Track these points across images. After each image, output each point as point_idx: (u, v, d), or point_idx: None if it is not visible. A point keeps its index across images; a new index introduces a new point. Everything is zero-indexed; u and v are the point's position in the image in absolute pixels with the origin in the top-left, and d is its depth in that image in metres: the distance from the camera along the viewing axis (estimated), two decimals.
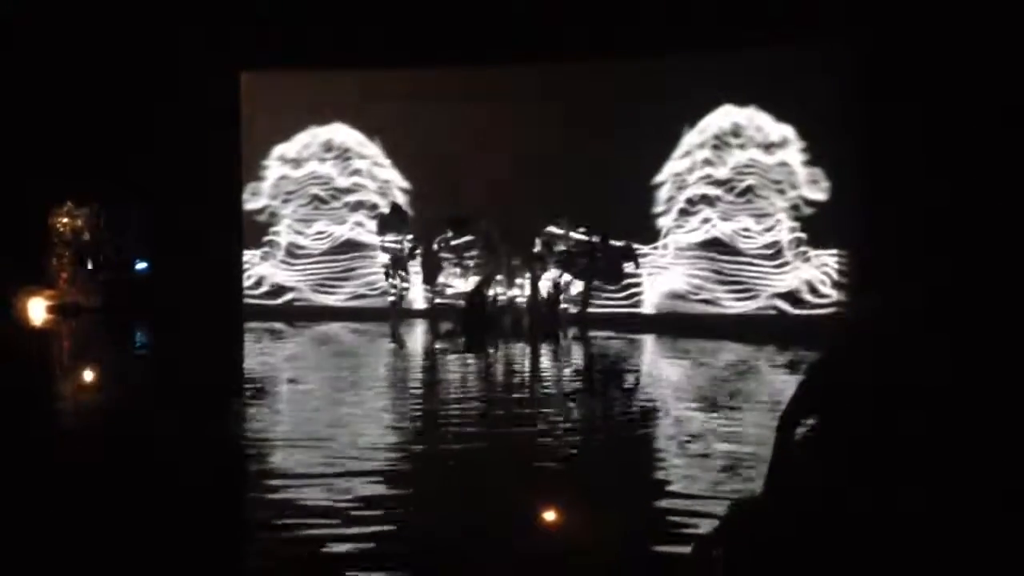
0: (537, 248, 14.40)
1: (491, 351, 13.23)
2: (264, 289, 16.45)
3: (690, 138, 14.95)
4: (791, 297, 14.46)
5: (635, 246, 14.94)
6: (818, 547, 2.22)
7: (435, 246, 14.66)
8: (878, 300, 2.44)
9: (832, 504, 2.24)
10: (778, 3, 13.02)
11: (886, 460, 2.24)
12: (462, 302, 14.44)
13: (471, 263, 14.40)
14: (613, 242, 14.72)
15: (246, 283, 16.47)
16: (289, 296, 16.43)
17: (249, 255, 16.44)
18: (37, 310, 16.01)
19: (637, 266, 15.00)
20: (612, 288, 14.97)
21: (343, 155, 16.37)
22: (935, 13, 12.16)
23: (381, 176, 16.24)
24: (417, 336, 14.33)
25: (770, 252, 14.60)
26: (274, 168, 16.58)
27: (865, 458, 2.26)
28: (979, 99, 11.79)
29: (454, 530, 5.19)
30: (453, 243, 14.46)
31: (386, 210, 15.50)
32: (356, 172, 16.35)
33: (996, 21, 11.71)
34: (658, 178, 15.04)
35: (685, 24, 13.40)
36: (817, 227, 14.29)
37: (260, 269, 16.45)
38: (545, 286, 14.49)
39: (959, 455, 2.25)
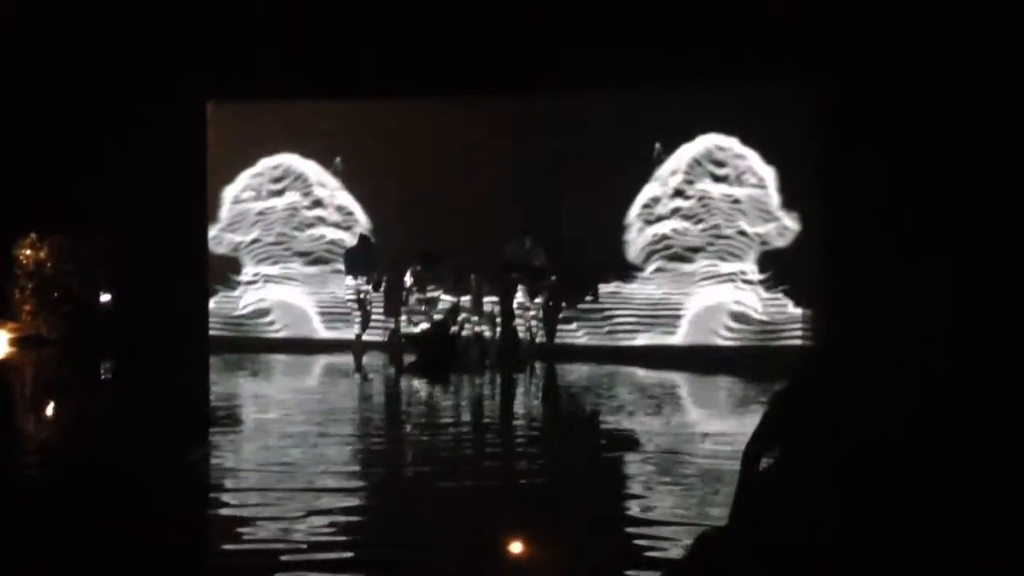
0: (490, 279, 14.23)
1: (454, 382, 13.20)
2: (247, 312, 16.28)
3: (661, 171, 14.97)
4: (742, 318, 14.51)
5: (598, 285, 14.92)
6: (785, 569, 2.21)
7: (406, 279, 14.52)
8: (841, 330, 2.44)
9: (796, 535, 2.23)
10: (743, 43, 13.11)
11: (850, 490, 2.23)
12: (424, 332, 14.35)
13: (437, 296, 14.30)
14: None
15: (241, 311, 16.28)
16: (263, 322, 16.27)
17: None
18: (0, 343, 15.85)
19: (596, 298, 14.96)
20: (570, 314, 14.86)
21: (302, 185, 16.26)
22: (900, 54, 12.31)
23: (343, 207, 16.15)
24: (381, 368, 14.26)
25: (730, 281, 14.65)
26: (232, 202, 16.44)
27: (829, 489, 2.25)
28: (945, 143, 11.91)
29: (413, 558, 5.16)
30: (421, 277, 14.34)
31: (353, 242, 15.40)
32: (318, 203, 16.25)
33: (960, 63, 11.86)
34: (631, 211, 15.02)
35: (656, 60, 13.47)
36: (781, 262, 14.33)
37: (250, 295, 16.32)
38: (512, 311, 14.33)
39: (925, 483, 2.25)
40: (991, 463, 2.26)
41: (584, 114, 14.77)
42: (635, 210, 15.06)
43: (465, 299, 14.27)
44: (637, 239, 15.02)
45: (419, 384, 12.86)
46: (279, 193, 16.38)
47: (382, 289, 14.98)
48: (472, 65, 14.24)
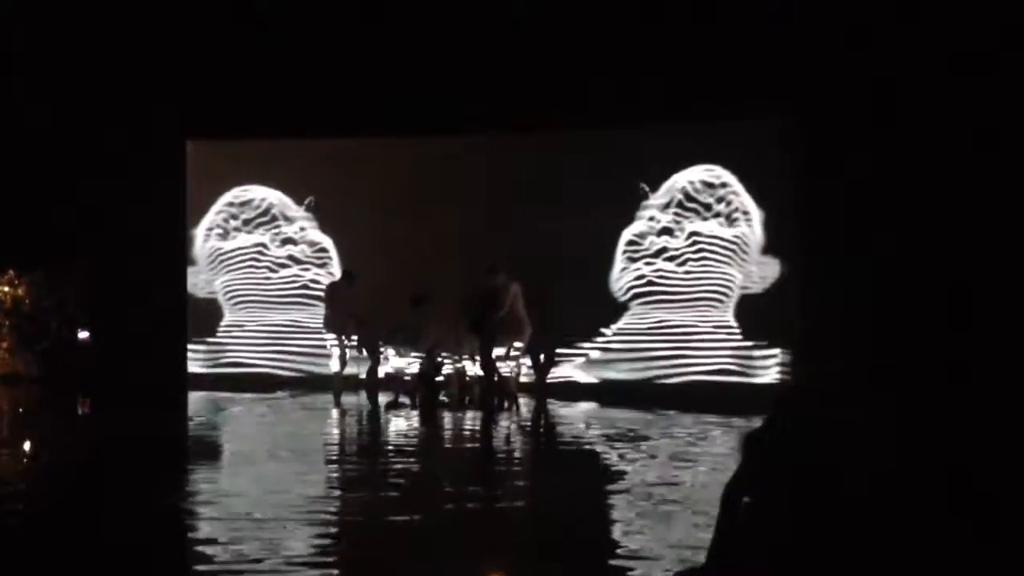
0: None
1: (439, 420, 13.19)
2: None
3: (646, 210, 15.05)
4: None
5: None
6: None
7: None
8: (814, 371, 2.49)
9: (778, 564, 2.26)
10: (721, 79, 13.24)
11: (828, 530, 2.27)
12: (407, 372, 14.32)
13: (421, 335, 14.20)
14: None
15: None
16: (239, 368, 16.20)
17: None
18: None
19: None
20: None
21: (272, 222, 16.26)
22: (875, 89, 12.46)
23: (315, 243, 16.15)
24: (360, 405, 14.21)
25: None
26: (203, 240, 16.42)
27: (807, 529, 2.29)
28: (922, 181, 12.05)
29: None
30: (409, 318, 14.19)
31: (336, 277, 15.31)
32: (289, 241, 16.24)
33: (938, 99, 12.01)
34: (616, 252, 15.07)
35: (633, 99, 13.59)
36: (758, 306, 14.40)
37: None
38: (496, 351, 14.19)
39: (901, 523, 2.29)
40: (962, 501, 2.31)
41: (559, 152, 14.82)
42: (620, 248, 15.07)
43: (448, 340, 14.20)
44: (621, 278, 15.04)
45: (399, 421, 12.86)
46: (249, 230, 16.32)
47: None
48: (447, 104, 14.33)
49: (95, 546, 6.17)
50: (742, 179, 14.61)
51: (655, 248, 14.92)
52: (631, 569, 5.69)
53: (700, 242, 14.75)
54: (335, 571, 5.88)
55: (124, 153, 14.94)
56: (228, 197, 16.36)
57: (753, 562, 2.34)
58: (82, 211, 15.11)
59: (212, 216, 16.36)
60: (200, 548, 6.39)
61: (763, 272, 14.47)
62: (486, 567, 5.77)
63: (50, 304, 16.44)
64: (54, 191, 15.01)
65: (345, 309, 14.43)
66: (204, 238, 16.36)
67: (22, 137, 14.99)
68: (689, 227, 14.78)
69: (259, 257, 16.31)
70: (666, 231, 14.88)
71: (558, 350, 14.88)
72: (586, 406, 13.87)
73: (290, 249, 16.24)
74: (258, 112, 14.78)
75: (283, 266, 16.24)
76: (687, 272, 14.78)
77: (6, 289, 16.51)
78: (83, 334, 16.35)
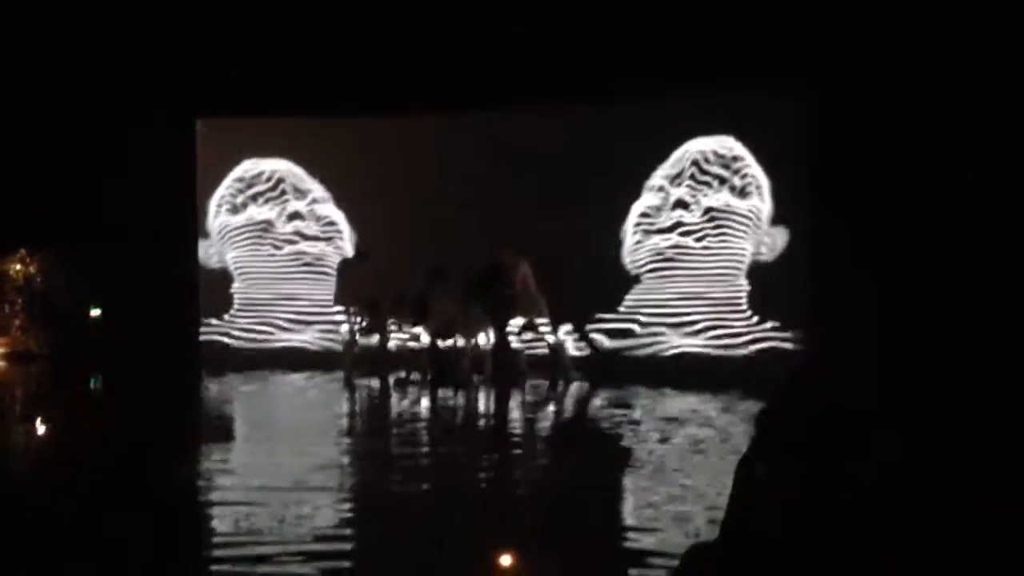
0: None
1: (451, 397, 13.20)
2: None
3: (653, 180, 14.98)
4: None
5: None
6: None
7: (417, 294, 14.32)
8: (822, 344, 2.47)
9: (786, 549, 2.25)
10: (729, 53, 13.16)
11: (837, 503, 2.26)
12: (421, 346, 14.31)
13: (429, 312, 14.18)
14: None
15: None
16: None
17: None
18: None
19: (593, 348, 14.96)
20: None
21: (282, 196, 16.25)
22: (886, 66, 12.38)
23: (326, 219, 16.14)
24: (373, 383, 14.20)
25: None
26: (214, 215, 16.42)
27: (817, 501, 2.27)
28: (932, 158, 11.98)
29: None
30: (426, 291, 14.14)
31: (350, 255, 15.28)
32: (296, 216, 16.23)
33: (945, 80, 11.94)
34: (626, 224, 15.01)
35: (637, 74, 13.52)
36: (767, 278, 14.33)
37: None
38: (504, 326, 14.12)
39: (905, 495, 2.28)
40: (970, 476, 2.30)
41: (572, 126, 14.76)
42: (632, 220, 15.01)
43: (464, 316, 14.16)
44: (635, 251, 14.98)
45: (408, 399, 12.87)
46: (259, 203, 16.32)
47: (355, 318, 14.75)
48: (457, 80, 14.28)
49: (110, 526, 6.19)
50: (752, 150, 14.53)
51: (670, 222, 14.83)
52: (641, 546, 5.69)
53: (716, 215, 14.66)
54: (345, 546, 5.89)
55: (134, 131, 14.96)
56: (238, 171, 16.36)
57: (766, 535, 2.33)
58: (93, 189, 15.11)
59: (223, 190, 16.36)
60: (214, 522, 6.43)
61: (773, 242, 14.43)
62: (495, 545, 5.77)
63: (62, 282, 16.46)
64: (64, 169, 15.02)
65: (355, 286, 14.41)
66: (215, 213, 16.39)
67: (31, 116, 15.00)
68: (705, 200, 14.70)
69: (266, 232, 16.31)
70: (681, 204, 14.79)
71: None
72: (602, 382, 13.77)
73: (297, 224, 16.23)
74: (268, 90, 14.76)
75: (290, 241, 16.23)
76: (705, 247, 14.71)
77: (17, 267, 16.53)
78: (95, 312, 16.38)
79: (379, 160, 15.35)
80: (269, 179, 16.29)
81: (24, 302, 16.47)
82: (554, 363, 13.97)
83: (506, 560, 5.46)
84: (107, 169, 15.08)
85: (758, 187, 14.53)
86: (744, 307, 14.56)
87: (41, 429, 10.72)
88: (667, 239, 14.83)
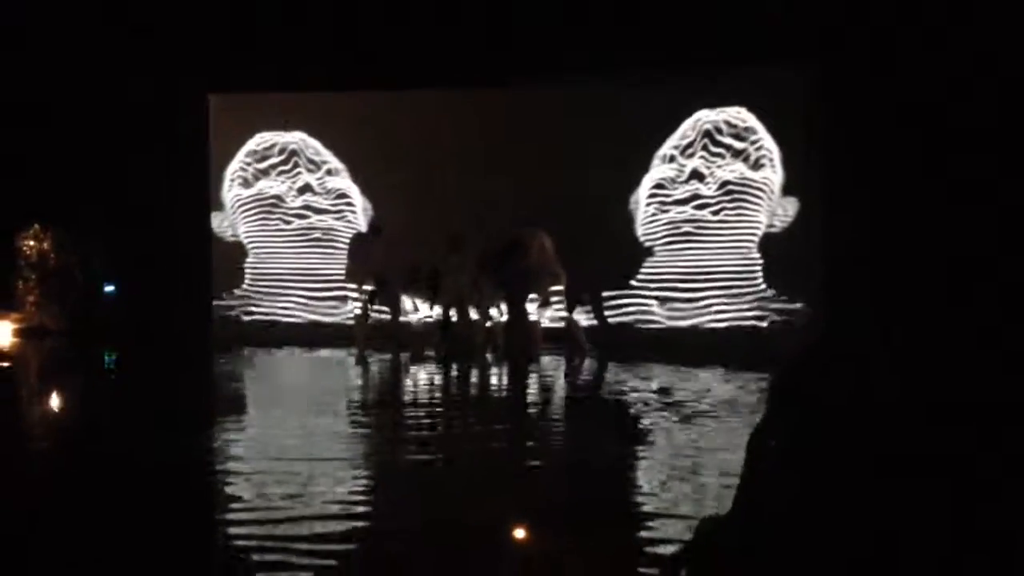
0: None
1: (462, 369, 13.20)
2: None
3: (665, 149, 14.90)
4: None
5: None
6: (788, 564, 2.23)
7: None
8: (835, 317, 2.46)
9: (799, 523, 2.25)
10: (738, 26, 13.09)
11: (854, 472, 2.25)
12: (435, 320, 14.31)
13: (440, 287, 14.16)
14: None
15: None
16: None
17: None
18: (3, 333, 15.86)
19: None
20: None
21: (294, 169, 16.22)
22: (892, 38, 12.29)
23: (337, 191, 16.11)
24: (385, 356, 14.19)
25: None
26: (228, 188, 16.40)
27: (834, 472, 2.27)
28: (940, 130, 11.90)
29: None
30: (448, 261, 14.09)
31: (362, 230, 15.27)
32: (307, 189, 16.21)
33: (958, 48, 11.85)
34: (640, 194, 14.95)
35: (646, 46, 13.47)
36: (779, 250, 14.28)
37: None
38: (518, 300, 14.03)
39: (923, 462, 2.27)
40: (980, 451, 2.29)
41: (581, 101, 14.71)
42: (645, 192, 14.95)
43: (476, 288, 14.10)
44: (649, 223, 14.93)
45: (421, 373, 12.88)
46: (271, 176, 16.30)
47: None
48: (469, 55, 14.24)
49: (126, 501, 6.22)
50: (761, 119, 14.47)
51: (686, 194, 14.77)
52: (650, 523, 5.69)
53: (732, 187, 14.59)
54: (357, 522, 5.91)
55: (148, 106, 14.97)
56: (251, 144, 16.35)
57: (778, 509, 2.32)
58: (107, 165, 15.13)
59: (237, 163, 16.36)
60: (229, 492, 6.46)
61: (784, 211, 14.38)
62: (508, 519, 5.77)
63: (76, 258, 16.50)
64: (78, 145, 15.03)
65: (367, 261, 14.38)
66: (228, 186, 16.40)
67: (45, 91, 15.01)
68: (719, 172, 14.63)
69: (276, 206, 16.30)
70: (695, 175, 14.72)
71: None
72: (615, 356, 13.73)
73: (308, 198, 16.21)
74: (280, 65, 14.74)
75: (300, 215, 16.22)
76: (720, 220, 14.65)
77: (31, 243, 16.56)
78: (109, 287, 16.42)
79: (392, 133, 15.35)
80: (282, 151, 16.28)
81: (38, 278, 16.51)
82: (569, 338, 13.94)
83: (520, 532, 5.48)
84: (121, 144, 15.09)
85: (771, 159, 14.47)
86: (759, 279, 14.52)
87: (57, 404, 10.78)
88: (682, 211, 14.79)
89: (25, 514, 5.83)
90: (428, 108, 15.29)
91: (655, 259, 14.92)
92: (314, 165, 16.20)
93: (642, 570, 4.67)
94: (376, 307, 14.50)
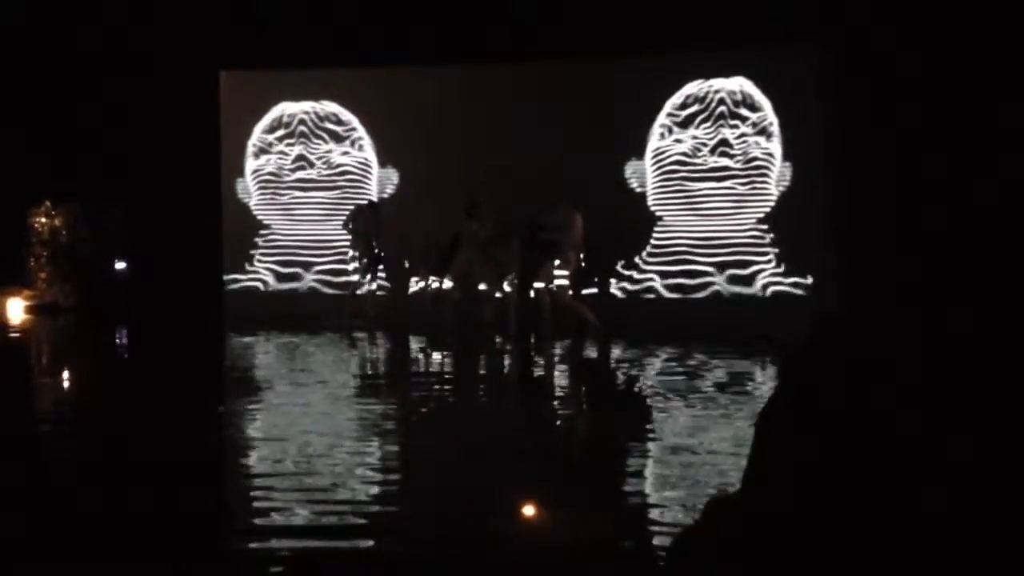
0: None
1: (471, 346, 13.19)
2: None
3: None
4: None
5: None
6: (797, 541, 2.20)
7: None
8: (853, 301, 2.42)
9: (808, 504, 2.21)
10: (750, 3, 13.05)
11: (863, 448, 2.22)
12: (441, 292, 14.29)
13: (450, 262, 14.13)
14: None
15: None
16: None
17: None
18: (15, 310, 15.92)
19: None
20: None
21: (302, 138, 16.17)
22: (908, 15, 12.20)
23: (340, 167, 16.07)
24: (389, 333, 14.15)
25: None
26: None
27: (843, 449, 2.23)
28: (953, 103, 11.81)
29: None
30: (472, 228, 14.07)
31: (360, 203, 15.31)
32: (320, 159, 16.17)
33: (966, 26, 11.75)
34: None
35: (657, 24, 13.43)
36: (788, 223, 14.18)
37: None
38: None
39: (935, 441, 2.23)
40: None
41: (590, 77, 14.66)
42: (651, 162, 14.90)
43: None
44: (658, 192, 14.86)
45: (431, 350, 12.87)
46: (281, 148, 16.26)
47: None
48: (483, 31, 14.20)
49: (136, 480, 6.22)
50: (762, 90, 14.39)
51: (694, 163, 14.68)
52: (660, 504, 5.67)
53: (742, 156, 14.49)
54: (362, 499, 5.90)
55: (159, 82, 14.97)
56: (270, 115, 16.28)
57: (787, 488, 2.29)
58: (118, 143, 15.14)
59: (255, 135, 16.29)
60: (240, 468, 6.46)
61: (783, 178, 14.30)
62: (518, 496, 5.76)
63: (87, 234, 16.53)
64: (89, 121, 15.03)
65: (364, 236, 14.59)
66: (246, 156, 16.34)
67: (55, 68, 15.02)
68: (731, 142, 14.52)
69: (285, 177, 16.24)
70: (704, 145, 14.61)
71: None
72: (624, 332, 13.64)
73: (320, 169, 16.16)
74: (291, 41, 14.72)
75: (309, 188, 16.17)
76: (728, 188, 14.55)
77: (43, 220, 16.60)
78: (120, 265, 16.45)
79: (406, 108, 15.33)
80: (291, 123, 16.18)
81: (49, 255, 16.55)
82: (578, 317, 13.80)
83: (529, 510, 5.47)
84: (132, 121, 15.10)
85: (774, 128, 14.37)
86: (767, 250, 14.40)
87: (67, 381, 10.82)
88: (691, 181, 14.68)
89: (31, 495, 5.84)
90: (439, 83, 15.23)
91: (663, 228, 14.78)
92: (326, 135, 16.10)
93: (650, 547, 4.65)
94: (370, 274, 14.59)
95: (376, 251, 14.65)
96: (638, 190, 14.83)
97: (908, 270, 11.47)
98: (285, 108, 16.17)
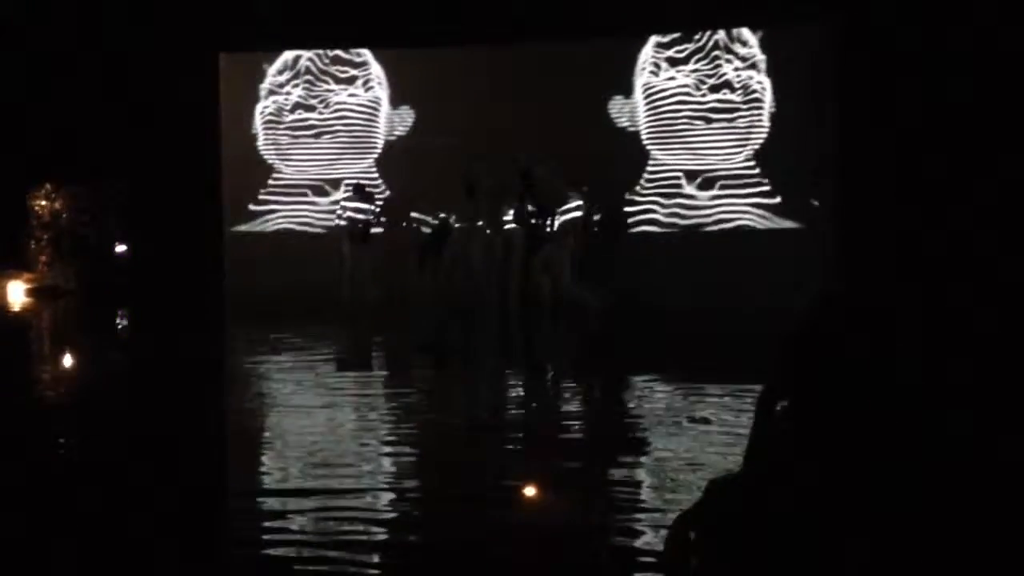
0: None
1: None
2: None
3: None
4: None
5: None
6: (797, 525, 2.20)
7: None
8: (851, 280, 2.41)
9: (808, 481, 2.22)
10: None
11: (865, 435, 2.22)
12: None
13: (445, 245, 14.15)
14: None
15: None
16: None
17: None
18: (16, 293, 15.91)
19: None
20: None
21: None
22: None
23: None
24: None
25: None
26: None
27: (844, 433, 2.24)
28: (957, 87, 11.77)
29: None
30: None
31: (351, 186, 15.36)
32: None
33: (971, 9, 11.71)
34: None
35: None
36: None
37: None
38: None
39: (936, 425, 2.24)
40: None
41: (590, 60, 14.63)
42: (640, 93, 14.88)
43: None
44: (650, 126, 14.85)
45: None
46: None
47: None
48: (478, 14, 14.20)
49: (140, 462, 6.23)
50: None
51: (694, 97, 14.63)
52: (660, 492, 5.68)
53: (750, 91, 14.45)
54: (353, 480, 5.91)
55: (160, 64, 14.93)
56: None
57: (789, 468, 2.29)
58: (117, 126, 15.11)
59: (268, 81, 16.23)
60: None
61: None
62: (518, 477, 5.78)
63: (88, 218, 16.52)
64: (89, 104, 15.01)
65: (350, 221, 14.67)
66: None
67: (57, 51, 14.98)
68: (725, 78, 14.46)
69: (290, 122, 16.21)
70: (702, 83, 14.53)
71: None
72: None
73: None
74: (290, 23, 14.70)
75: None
76: (723, 126, 14.51)
77: (43, 203, 16.59)
78: (121, 247, 16.44)
79: (408, 90, 15.42)
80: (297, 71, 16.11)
81: (50, 238, 16.55)
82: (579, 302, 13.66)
83: (530, 491, 5.48)
84: (133, 103, 15.06)
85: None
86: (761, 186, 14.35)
87: (69, 363, 10.82)
88: (684, 115, 14.64)
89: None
90: (441, 65, 15.21)
91: (654, 161, 14.74)
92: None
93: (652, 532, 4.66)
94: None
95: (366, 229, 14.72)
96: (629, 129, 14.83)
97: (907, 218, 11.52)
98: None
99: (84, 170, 15.82)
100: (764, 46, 14.25)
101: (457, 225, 14.29)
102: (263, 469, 6.10)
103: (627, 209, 14.69)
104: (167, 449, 6.31)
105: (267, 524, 4.95)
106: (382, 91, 15.82)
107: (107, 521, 4.88)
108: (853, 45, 12.83)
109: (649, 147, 14.74)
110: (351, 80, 15.92)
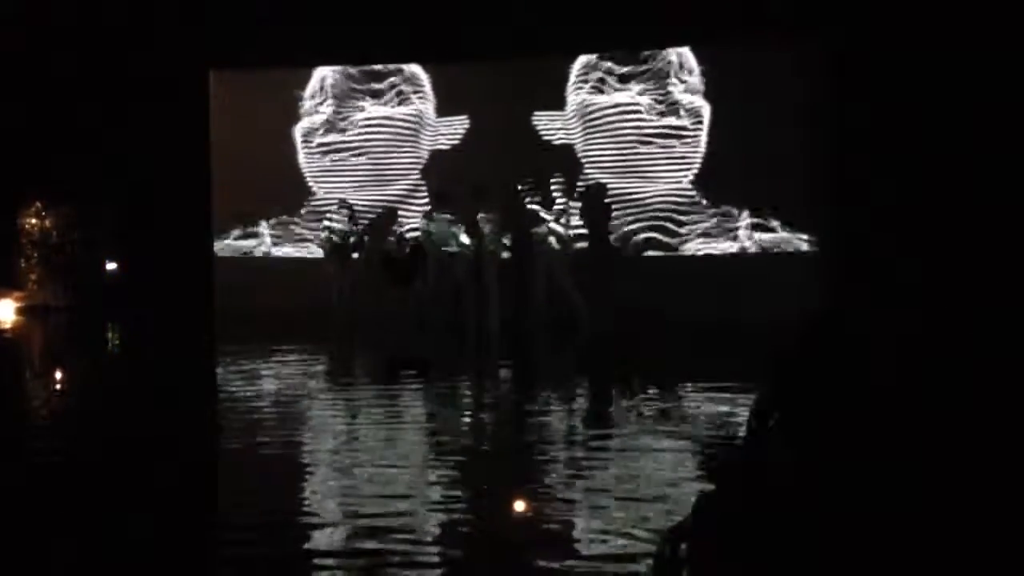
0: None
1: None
2: None
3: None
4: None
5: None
6: (788, 538, 2.23)
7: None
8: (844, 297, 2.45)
9: (803, 494, 2.25)
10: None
11: (854, 449, 2.25)
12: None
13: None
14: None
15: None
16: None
17: None
18: (6, 311, 15.88)
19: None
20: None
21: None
22: (907, 13, 12.21)
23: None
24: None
25: None
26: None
27: (834, 448, 2.27)
28: (952, 99, 11.81)
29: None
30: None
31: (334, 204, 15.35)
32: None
33: (970, 22, 11.77)
34: None
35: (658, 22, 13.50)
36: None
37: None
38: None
39: (927, 441, 2.27)
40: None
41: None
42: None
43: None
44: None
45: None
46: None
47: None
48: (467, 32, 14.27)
49: (127, 482, 6.24)
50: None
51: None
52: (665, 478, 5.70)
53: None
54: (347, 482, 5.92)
55: (148, 83, 14.94)
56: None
57: (779, 484, 2.32)
58: (108, 144, 15.11)
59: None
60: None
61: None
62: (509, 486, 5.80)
63: (78, 236, 16.51)
64: (79, 123, 15.01)
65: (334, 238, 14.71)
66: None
67: (46, 69, 14.99)
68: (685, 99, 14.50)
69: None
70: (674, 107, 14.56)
71: None
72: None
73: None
74: (281, 41, 14.71)
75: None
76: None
77: (33, 221, 16.58)
78: (111, 265, 16.42)
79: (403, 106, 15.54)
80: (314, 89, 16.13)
81: (40, 256, 16.53)
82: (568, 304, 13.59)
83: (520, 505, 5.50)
84: (122, 122, 15.06)
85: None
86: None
87: (58, 382, 10.81)
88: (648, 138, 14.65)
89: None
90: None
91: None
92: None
93: (641, 545, 4.67)
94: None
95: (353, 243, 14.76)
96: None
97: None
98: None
99: (74, 189, 15.81)
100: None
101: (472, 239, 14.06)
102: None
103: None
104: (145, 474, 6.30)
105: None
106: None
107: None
108: (826, 71, 12.93)
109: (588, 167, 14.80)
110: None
